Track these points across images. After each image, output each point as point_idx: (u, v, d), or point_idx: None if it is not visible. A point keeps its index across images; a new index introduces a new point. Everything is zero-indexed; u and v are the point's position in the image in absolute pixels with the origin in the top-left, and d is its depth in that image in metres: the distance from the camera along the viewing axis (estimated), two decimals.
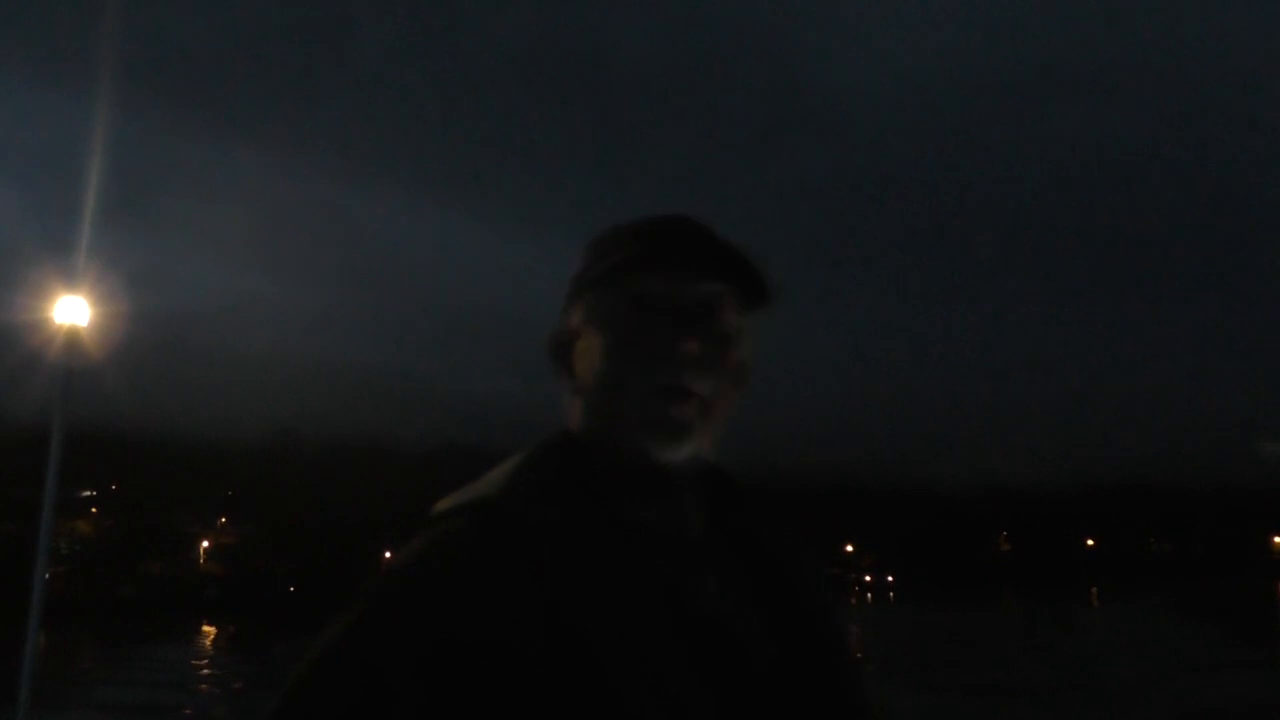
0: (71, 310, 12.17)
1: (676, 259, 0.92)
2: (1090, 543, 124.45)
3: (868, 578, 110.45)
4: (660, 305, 0.91)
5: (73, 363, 11.99)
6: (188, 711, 19.42)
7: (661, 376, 0.89)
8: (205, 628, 51.17)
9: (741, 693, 0.85)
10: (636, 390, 0.90)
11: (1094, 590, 77.68)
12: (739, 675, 0.86)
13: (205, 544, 74.06)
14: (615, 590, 0.84)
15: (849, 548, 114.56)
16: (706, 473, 0.97)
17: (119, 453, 71.75)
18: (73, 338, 11.99)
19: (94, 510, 70.55)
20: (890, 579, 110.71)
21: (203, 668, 29.91)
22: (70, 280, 12.64)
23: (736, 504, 1.00)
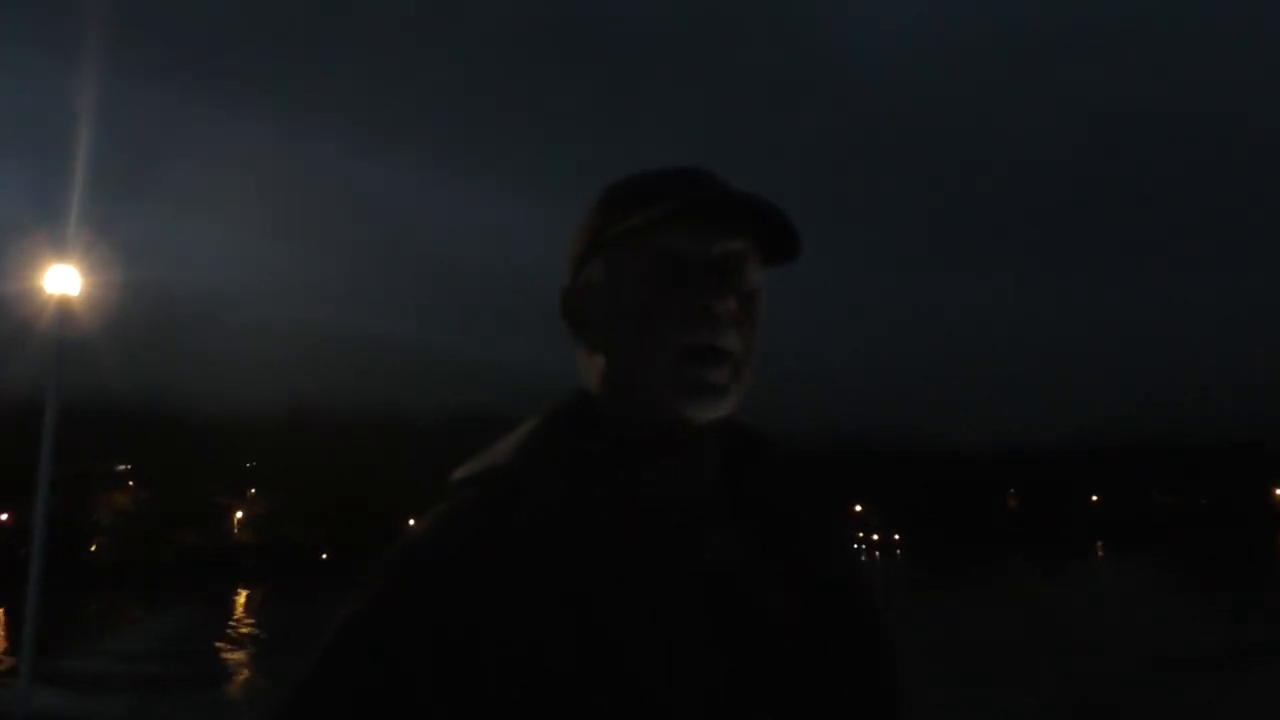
0: (62, 279, 12.51)
1: (709, 213, 0.87)
2: (1095, 499, 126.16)
3: (875, 537, 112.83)
4: (691, 262, 0.87)
5: (67, 331, 12.30)
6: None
7: (696, 336, 0.86)
8: (241, 591, 53.80)
9: (758, 657, 0.83)
10: (670, 351, 0.86)
11: (1099, 546, 79.29)
12: (755, 640, 0.83)
13: (239, 514, 76.94)
14: (629, 562, 0.82)
15: (858, 507, 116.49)
16: (729, 430, 0.95)
17: (151, 426, 73.95)
18: (65, 307, 12.42)
19: (130, 484, 73.40)
20: (897, 538, 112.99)
21: (230, 625, 32.32)
22: (63, 251, 13.17)
23: (756, 462, 0.97)
